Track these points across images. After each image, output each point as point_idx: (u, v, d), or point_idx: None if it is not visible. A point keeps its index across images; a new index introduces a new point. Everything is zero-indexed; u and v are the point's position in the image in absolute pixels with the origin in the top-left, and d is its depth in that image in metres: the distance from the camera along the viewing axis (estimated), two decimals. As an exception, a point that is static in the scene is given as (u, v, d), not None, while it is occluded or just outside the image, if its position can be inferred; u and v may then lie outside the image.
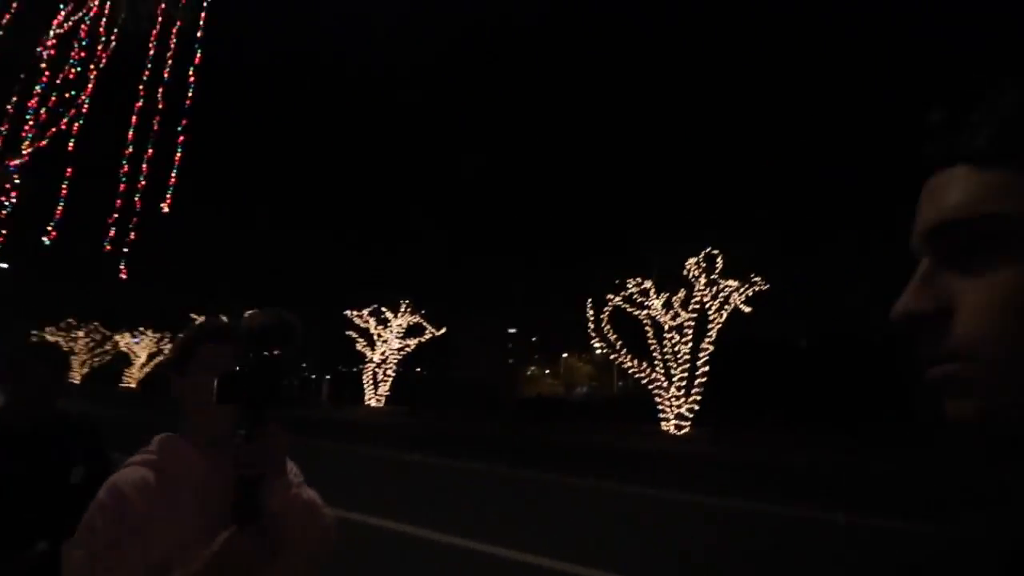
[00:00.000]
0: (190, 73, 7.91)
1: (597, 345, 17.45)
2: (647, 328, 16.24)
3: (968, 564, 0.42)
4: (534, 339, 39.51)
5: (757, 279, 15.61)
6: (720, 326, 15.64)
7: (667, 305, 16.14)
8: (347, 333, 25.45)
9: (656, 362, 16.05)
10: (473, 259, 33.65)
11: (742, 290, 15.60)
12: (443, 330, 24.96)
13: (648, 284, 16.27)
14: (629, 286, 16.39)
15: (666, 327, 16.00)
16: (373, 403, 25.13)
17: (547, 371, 42.01)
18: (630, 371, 16.73)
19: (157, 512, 1.01)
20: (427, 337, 24.85)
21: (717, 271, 15.70)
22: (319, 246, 42.38)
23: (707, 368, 15.45)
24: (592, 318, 16.77)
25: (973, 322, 0.34)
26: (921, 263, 0.38)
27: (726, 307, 15.61)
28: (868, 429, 13.87)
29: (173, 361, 1.16)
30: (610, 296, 16.58)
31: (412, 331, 25.16)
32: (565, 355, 39.55)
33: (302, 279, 37.49)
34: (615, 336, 16.47)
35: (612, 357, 16.99)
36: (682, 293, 15.92)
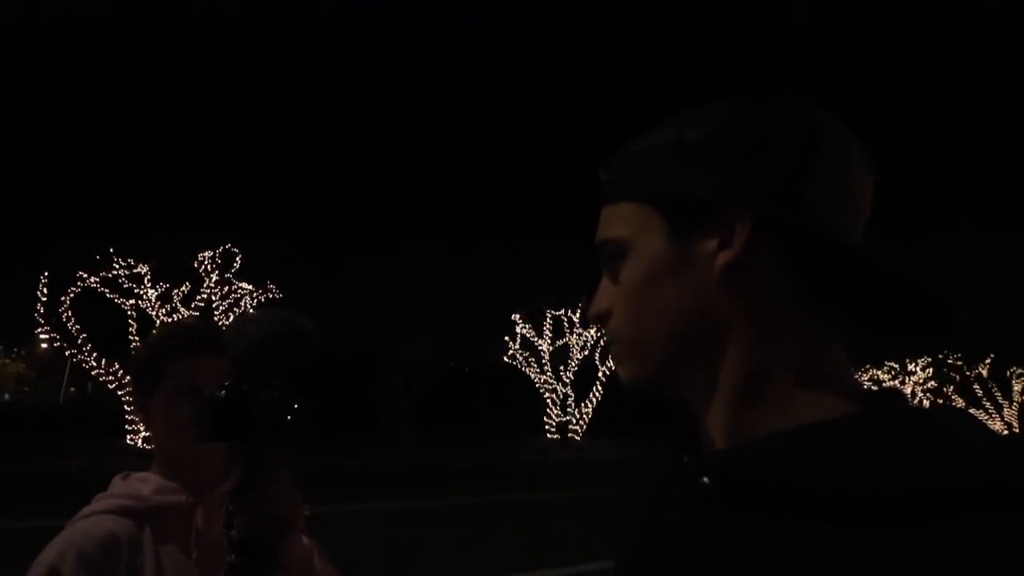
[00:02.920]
0: None
1: (44, 337, 12.99)
2: (131, 323, 13.11)
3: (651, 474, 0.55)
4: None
5: (272, 287, 14.91)
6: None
7: (165, 298, 13.48)
8: None
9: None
10: None
11: (255, 295, 14.58)
12: None
13: (144, 269, 13.25)
14: (116, 266, 12.95)
15: (157, 323, 13.26)
16: None
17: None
18: (94, 373, 13.02)
19: None
20: None
21: (233, 271, 14.21)
22: None
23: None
24: (45, 300, 12.41)
25: (617, 313, 0.49)
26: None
27: (235, 310, 14.21)
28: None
29: (136, 381, 0.95)
30: (83, 274, 12.70)
31: None
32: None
33: None
34: (77, 327, 12.62)
35: (69, 354, 12.89)
36: (187, 287, 13.64)
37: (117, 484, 0.93)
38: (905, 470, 0.35)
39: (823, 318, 0.45)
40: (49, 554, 0.81)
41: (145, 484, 0.91)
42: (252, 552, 0.69)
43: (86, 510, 0.89)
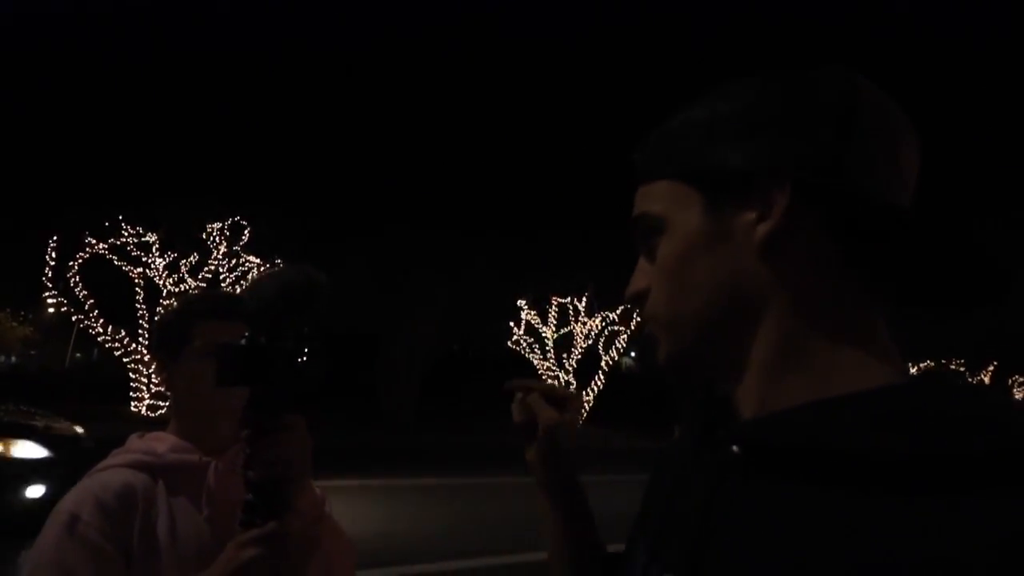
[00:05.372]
0: None
1: (51, 302, 13.06)
2: (138, 291, 13.16)
3: (673, 453, 0.56)
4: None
5: (279, 262, 14.94)
6: (232, 302, 14.13)
7: (173, 267, 13.52)
8: None
9: (142, 333, 13.11)
10: None
11: (262, 268, 14.62)
12: None
13: (152, 237, 13.27)
14: (125, 234, 12.98)
15: (164, 292, 13.33)
16: None
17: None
18: (100, 339, 13.11)
19: (151, 531, 0.83)
20: None
21: (241, 243, 14.23)
22: None
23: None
24: (53, 264, 12.46)
25: (655, 292, 0.49)
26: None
27: (242, 283, 14.26)
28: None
29: (161, 344, 0.98)
30: (92, 240, 12.74)
31: None
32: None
33: None
34: (84, 293, 12.68)
35: (76, 319, 12.98)
36: (195, 258, 13.67)
37: (134, 441, 0.96)
38: (938, 440, 0.34)
39: (865, 290, 0.43)
40: (68, 502, 0.84)
41: (160, 442, 0.94)
42: (266, 492, 0.73)
43: (103, 463, 0.92)
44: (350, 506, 5.45)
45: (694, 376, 0.51)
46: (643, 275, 0.51)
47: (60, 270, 12.57)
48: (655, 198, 0.49)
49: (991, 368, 24.48)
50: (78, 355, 27.01)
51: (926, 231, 0.41)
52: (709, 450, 0.46)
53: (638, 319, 0.51)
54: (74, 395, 14.95)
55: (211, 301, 1.00)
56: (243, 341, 0.75)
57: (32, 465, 4.60)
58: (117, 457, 0.93)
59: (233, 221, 14.09)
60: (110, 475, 0.88)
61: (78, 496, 0.85)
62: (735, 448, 0.42)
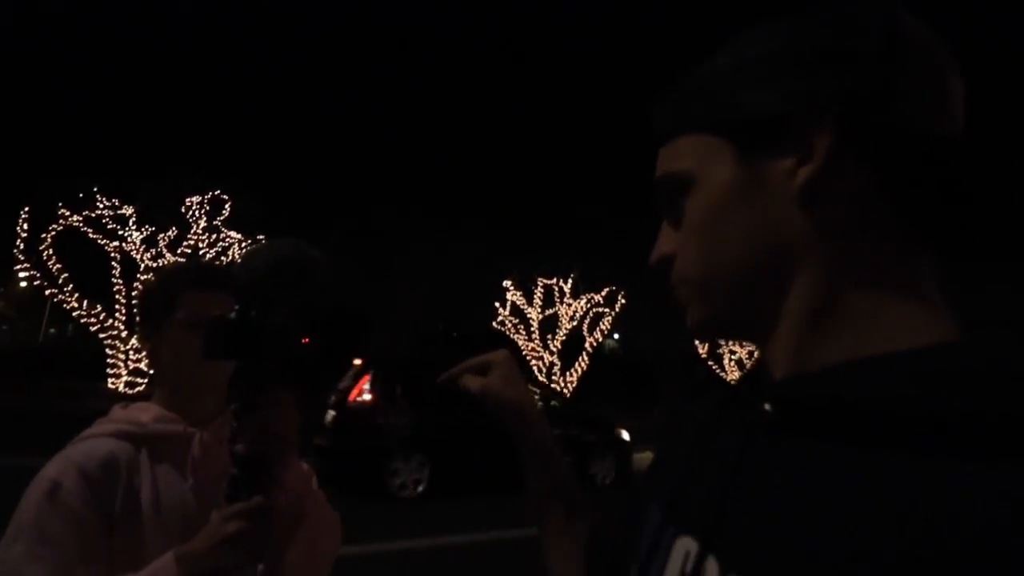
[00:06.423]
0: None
1: (24, 275, 12.70)
2: (115, 265, 12.83)
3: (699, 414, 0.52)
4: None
5: (261, 238, 14.66)
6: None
7: (150, 241, 13.18)
8: None
9: (118, 308, 12.81)
10: None
11: (243, 244, 14.33)
12: None
13: (129, 210, 12.91)
14: (101, 206, 12.60)
15: (142, 267, 13.01)
16: None
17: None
18: (75, 315, 12.78)
19: (135, 500, 0.83)
20: None
21: (222, 218, 13.92)
22: None
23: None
24: (25, 237, 12.08)
25: (683, 254, 0.45)
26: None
27: (223, 258, 13.98)
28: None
29: (144, 313, 0.96)
30: (66, 212, 12.35)
31: None
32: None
33: None
34: (58, 267, 12.34)
35: (49, 293, 12.63)
36: (173, 232, 13.34)
37: (117, 411, 0.95)
38: (994, 400, 0.31)
39: (913, 240, 0.40)
40: (51, 469, 0.84)
41: (144, 412, 0.94)
42: (252, 466, 0.74)
43: (86, 432, 0.91)
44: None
45: (729, 338, 0.49)
46: (668, 239, 0.47)
47: (33, 243, 12.19)
48: (680, 155, 0.45)
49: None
50: (52, 331, 26.41)
51: (984, 166, 0.37)
52: (737, 409, 0.44)
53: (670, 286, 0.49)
54: (49, 372, 14.62)
55: (195, 271, 0.99)
56: (233, 315, 0.75)
57: None
58: (100, 426, 0.92)
59: (213, 195, 13.75)
60: (93, 444, 0.88)
61: (60, 464, 0.84)
62: (767, 407, 0.39)
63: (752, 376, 0.48)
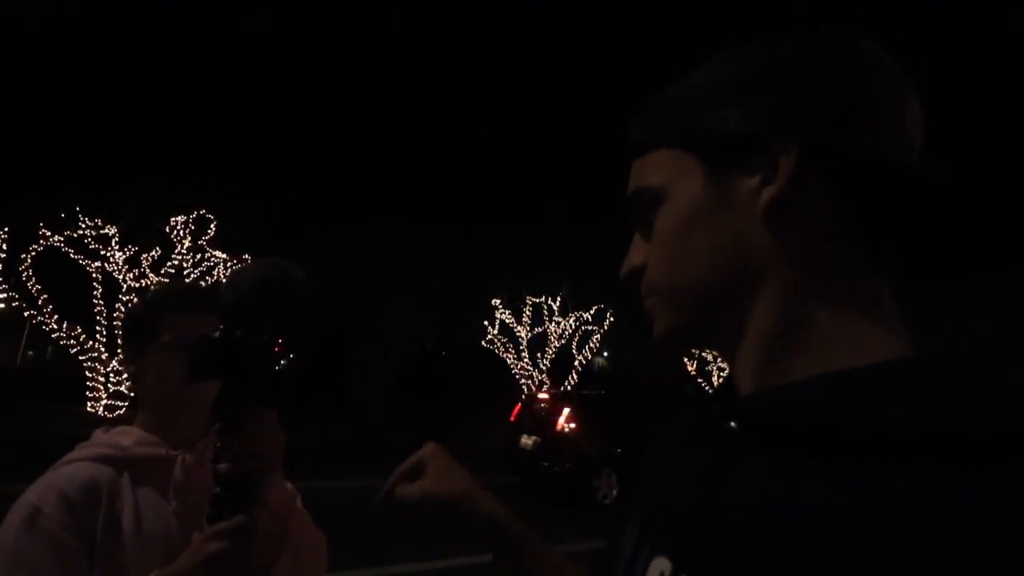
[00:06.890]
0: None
1: (2, 296, 12.42)
2: (96, 286, 12.60)
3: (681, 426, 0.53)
4: None
5: (247, 257, 14.50)
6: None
7: (133, 262, 12.99)
8: None
9: (99, 329, 12.56)
10: None
11: (229, 264, 14.17)
12: None
13: (112, 230, 12.73)
14: (83, 225, 12.41)
15: (124, 288, 12.79)
16: None
17: None
18: (55, 336, 12.50)
19: (116, 524, 0.82)
20: None
21: (207, 237, 13.76)
22: None
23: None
24: (4, 257, 11.86)
25: (652, 265, 0.47)
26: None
27: (207, 278, 13.79)
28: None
29: (131, 336, 0.96)
30: (47, 232, 12.15)
31: None
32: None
33: None
34: (38, 287, 12.10)
35: (28, 315, 12.36)
36: (157, 252, 13.16)
37: (99, 435, 0.95)
38: (951, 413, 0.32)
39: (871, 259, 0.41)
40: (31, 494, 0.84)
41: (126, 436, 0.93)
42: (235, 485, 0.74)
43: (68, 457, 0.91)
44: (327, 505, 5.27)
45: (693, 347, 0.50)
46: (639, 251, 0.49)
47: (11, 263, 11.95)
48: (652, 168, 0.47)
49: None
50: (31, 353, 25.83)
51: (940, 192, 0.38)
52: (705, 428, 0.45)
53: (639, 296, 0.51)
54: (27, 394, 14.25)
55: (182, 293, 0.99)
56: (217, 334, 0.76)
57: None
58: (82, 451, 0.92)
59: (198, 214, 13.61)
60: (74, 468, 0.88)
61: (41, 489, 0.85)
62: (732, 424, 0.40)
63: (724, 392, 0.49)
